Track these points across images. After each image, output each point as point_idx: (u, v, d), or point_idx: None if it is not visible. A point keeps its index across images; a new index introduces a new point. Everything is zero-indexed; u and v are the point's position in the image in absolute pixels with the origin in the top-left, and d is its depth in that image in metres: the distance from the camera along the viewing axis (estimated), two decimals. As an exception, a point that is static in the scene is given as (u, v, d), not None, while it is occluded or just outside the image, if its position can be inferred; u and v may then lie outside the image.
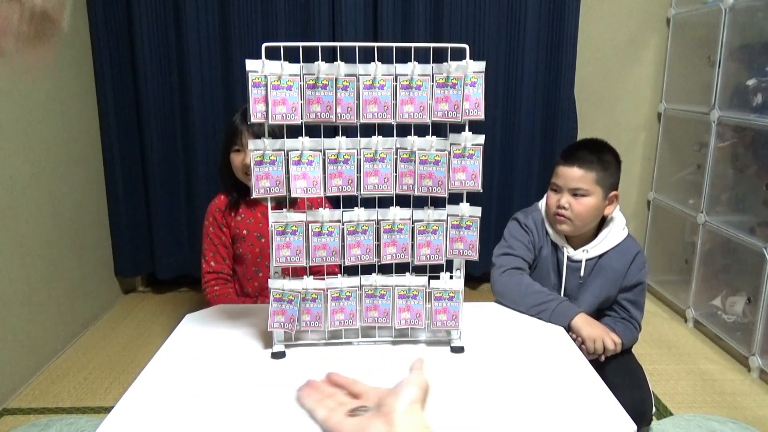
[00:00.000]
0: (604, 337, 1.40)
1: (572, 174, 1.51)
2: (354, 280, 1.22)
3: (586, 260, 1.56)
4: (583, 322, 1.41)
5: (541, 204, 1.64)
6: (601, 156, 1.52)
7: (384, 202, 1.18)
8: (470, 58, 1.12)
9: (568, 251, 1.57)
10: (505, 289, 1.51)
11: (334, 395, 0.65)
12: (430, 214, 1.18)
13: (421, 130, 1.15)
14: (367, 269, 1.22)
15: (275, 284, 1.19)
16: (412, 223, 1.19)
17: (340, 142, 1.14)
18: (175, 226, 2.90)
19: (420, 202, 1.19)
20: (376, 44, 1.17)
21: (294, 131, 1.15)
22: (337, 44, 1.15)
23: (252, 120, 1.11)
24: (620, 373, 1.47)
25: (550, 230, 1.59)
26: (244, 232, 1.84)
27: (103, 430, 0.97)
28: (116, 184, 2.81)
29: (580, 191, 1.50)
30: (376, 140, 1.15)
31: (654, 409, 1.47)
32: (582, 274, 1.56)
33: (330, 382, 0.68)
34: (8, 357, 2.07)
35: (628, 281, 1.56)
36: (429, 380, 0.63)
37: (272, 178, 1.14)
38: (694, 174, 2.80)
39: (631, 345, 1.57)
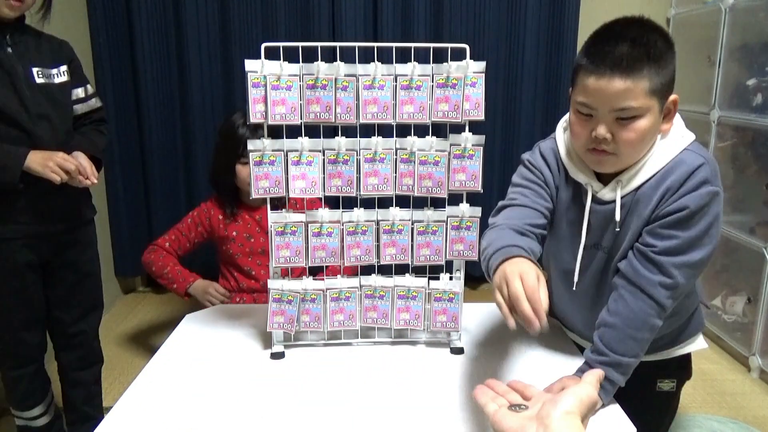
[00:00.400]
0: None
1: (613, 88, 0.96)
2: (353, 281, 1.22)
3: (622, 198, 1.06)
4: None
5: (559, 130, 1.16)
6: (649, 47, 0.97)
7: (383, 203, 1.18)
8: (470, 58, 1.12)
9: (594, 188, 1.08)
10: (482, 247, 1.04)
11: (506, 394, 0.72)
12: (429, 214, 1.18)
13: (421, 131, 1.15)
14: (367, 270, 1.22)
15: (274, 284, 1.19)
16: (412, 223, 1.19)
17: (340, 142, 1.14)
18: (175, 226, 2.90)
19: (420, 203, 1.19)
20: (376, 44, 1.17)
21: (293, 131, 1.15)
22: (337, 44, 1.15)
23: (251, 120, 1.11)
24: None
25: (568, 163, 1.12)
26: (233, 233, 1.91)
27: (102, 430, 0.97)
28: (116, 184, 2.81)
29: (629, 111, 0.97)
30: (376, 140, 1.15)
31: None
32: (618, 218, 1.05)
33: (508, 385, 0.74)
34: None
35: (665, 208, 1.01)
36: (596, 395, 0.66)
37: (271, 178, 1.14)
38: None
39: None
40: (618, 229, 1.06)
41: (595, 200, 1.09)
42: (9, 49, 1.44)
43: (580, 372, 1.05)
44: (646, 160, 1.04)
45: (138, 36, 2.67)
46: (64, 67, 1.55)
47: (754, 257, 2.24)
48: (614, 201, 1.05)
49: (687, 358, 1.25)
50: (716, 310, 2.53)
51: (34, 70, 1.48)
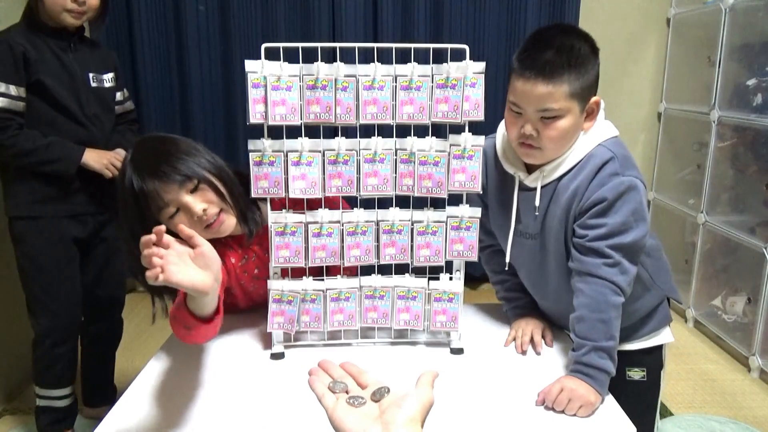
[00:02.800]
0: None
1: (536, 91, 1.07)
2: (353, 281, 1.22)
3: (542, 187, 1.17)
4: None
5: (501, 126, 1.25)
6: (572, 55, 1.07)
7: (383, 203, 1.18)
8: (470, 59, 1.12)
9: (521, 177, 1.20)
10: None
11: (343, 378, 0.71)
12: (429, 215, 1.18)
13: (421, 131, 1.15)
14: (367, 270, 1.22)
15: (275, 285, 1.19)
16: (412, 224, 1.19)
17: (340, 142, 1.14)
18: (175, 226, 2.90)
19: (419, 203, 1.19)
20: (375, 45, 1.17)
21: (293, 132, 1.15)
22: (337, 45, 1.15)
23: (251, 121, 1.11)
24: None
25: (502, 158, 1.23)
26: (255, 270, 1.31)
27: (101, 430, 0.97)
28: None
29: (551, 112, 1.08)
30: (376, 141, 1.15)
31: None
32: (537, 203, 1.18)
33: (341, 367, 0.73)
34: (9, 357, 2.07)
35: (584, 202, 1.13)
36: (434, 397, 0.67)
37: (271, 178, 1.14)
38: (694, 174, 2.80)
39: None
40: (537, 213, 1.19)
41: (523, 188, 1.20)
42: (71, 55, 1.66)
43: (572, 372, 1.07)
44: (568, 153, 1.15)
45: (138, 36, 2.67)
46: (111, 74, 1.77)
47: (754, 257, 2.24)
48: (535, 189, 1.18)
49: (657, 347, 1.32)
50: (716, 310, 2.53)
51: (90, 75, 1.70)
